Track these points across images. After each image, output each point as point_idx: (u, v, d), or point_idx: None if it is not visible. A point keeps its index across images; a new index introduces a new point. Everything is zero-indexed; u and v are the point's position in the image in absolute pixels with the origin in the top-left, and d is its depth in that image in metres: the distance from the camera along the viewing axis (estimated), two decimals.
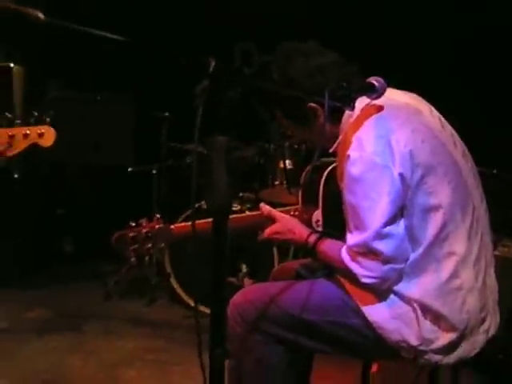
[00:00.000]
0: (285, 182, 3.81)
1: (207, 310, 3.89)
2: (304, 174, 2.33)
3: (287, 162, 3.81)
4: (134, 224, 2.16)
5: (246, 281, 3.62)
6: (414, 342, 1.85)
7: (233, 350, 1.98)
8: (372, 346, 1.92)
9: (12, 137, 2.33)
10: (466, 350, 1.87)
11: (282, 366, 1.98)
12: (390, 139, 1.80)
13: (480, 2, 3.94)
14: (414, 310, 1.85)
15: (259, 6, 4.39)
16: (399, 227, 1.81)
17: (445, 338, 1.84)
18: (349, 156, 1.81)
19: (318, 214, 2.21)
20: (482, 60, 3.95)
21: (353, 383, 2.67)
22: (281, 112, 2.06)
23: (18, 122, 2.34)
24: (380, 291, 1.86)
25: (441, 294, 1.83)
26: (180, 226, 2.25)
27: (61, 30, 1.04)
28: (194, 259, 3.90)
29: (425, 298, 1.83)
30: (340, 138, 1.96)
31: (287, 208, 2.30)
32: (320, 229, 2.17)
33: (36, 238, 4.79)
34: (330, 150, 2.01)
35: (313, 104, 1.95)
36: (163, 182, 4.34)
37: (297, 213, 2.26)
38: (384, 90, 1.76)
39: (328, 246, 1.98)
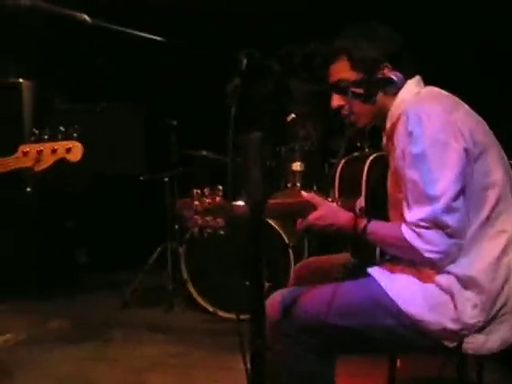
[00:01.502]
0: (297, 184, 3.85)
1: (226, 315, 3.97)
2: (338, 167, 2.36)
3: (298, 164, 3.86)
4: (198, 191, 2.04)
5: (266, 284, 3.65)
6: (454, 327, 1.87)
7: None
8: (410, 341, 1.94)
9: (40, 152, 2.38)
10: (507, 332, 1.91)
11: (309, 369, 1.99)
12: (452, 116, 1.88)
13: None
14: (452, 295, 1.88)
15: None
16: (462, 202, 1.86)
17: (484, 317, 1.87)
18: (411, 133, 1.85)
19: (360, 202, 2.24)
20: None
21: (379, 380, 2.69)
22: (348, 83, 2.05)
23: (46, 137, 2.39)
24: (428, 273, 1.91)
25: (490, 270, 1.88)
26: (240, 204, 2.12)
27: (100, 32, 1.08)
28: (210, 264, 3.97)
29: (474, 274, 1.87)
30: (395, 113, 2.01)
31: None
32: (362, 216, 2.17)
33: (50, 250, 4.84)
34: (385, 129, 2.07)
35: (386, 63, 2.00)
36: (176, 190, 4.38)
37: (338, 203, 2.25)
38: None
39: (380, 225, 2.01)
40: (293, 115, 3.86)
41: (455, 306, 1.87)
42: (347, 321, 1.95)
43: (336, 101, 2.10)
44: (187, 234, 4.00)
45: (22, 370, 3.24)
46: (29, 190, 4.56)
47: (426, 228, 1.84)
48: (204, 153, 4.21)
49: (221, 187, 2.01)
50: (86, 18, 1.07)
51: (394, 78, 1.99)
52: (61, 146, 2.38)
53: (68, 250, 5.16)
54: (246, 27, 4.63)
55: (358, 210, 2.24)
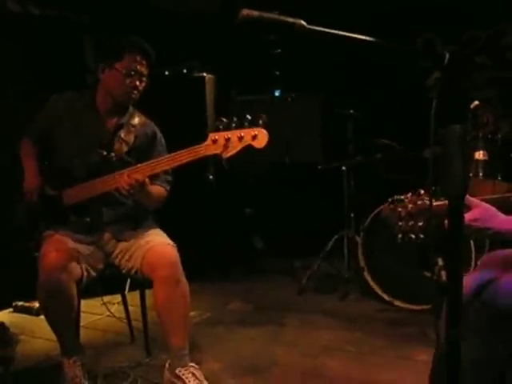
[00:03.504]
0: (480, 174, 3.72)
1: (403, 305, 3.94)
2: None
3: (481, 152, 3.72)
4: (402, 197, 2.06)
5: (444, 274, 3.58)
6: None
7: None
8: None
9: (228, 139, 2.53)
10: None
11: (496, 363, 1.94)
12: None
13: None
14: None
15: None
16: None
17: None
18: None
19: None
20: None
21: None
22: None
23: (234, 125, 2.52)
24: None
25: None
26: (439, 203, 2.08)
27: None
28: (387, 253, 3.97)
29: None
30: None
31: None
32: None
33: (229, 235, 5.08)
34: None
35: None
36: (353, 179, 4.41)
37: None
38: None
39: None
40: (476, 102, 3.72)
41: None
42: None
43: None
44: (365, 223, 4.03)
45: (207, 345, 3.47)
46: (211, 177, 4.82)
47: None
48: (386, 142, 4.19)
49: (422, 191, 2.01)
50: (303, 23, 1.12)
51: None
52: (247, 133, 2.51)
53: (246, 236, 5.38)
54: (421, 13, 4.53)
55: None
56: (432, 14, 4.49)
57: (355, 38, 1.13)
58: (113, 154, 2.93)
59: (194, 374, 2.82)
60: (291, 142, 4.51)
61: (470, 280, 2.02)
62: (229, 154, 2.55)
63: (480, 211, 1.97)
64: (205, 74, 4.78)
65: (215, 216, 4.96)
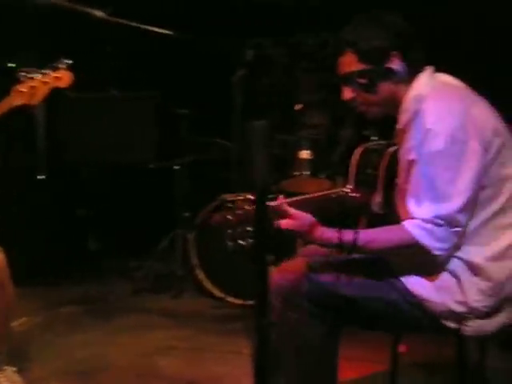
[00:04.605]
0: (304, 173, 3.90)
1: (234, 301, 4.02)
2: (357, 155, 2.37)
3: (306, 152, 3.90)
4: (232, 200, 2.07)
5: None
6: (459, 309, 1.93)
7: (276, 327, 2.03)
8: (412, 318, 1.99)
9: (33, 87, 2.55)
10: (507, 316, 1.96)
11: (315, 341, 2.03)
12: (471, 113, 1.90)
13: None
14: (458, 279, 1.93)
15: None
16: (475, 202, 1.90)
17: (489, 303, 1.93)
18: (430, 129, 1.87)
19: (377, 196, 2.24)
20: None
21: (381, 364, 2.74)
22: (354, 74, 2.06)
23: (37, 75, 2.55)
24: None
25: (498, 259, 1.93)
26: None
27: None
28: (219, 250, 4.01)
29: (483, 262, 1.92)
30: (410, 107, 2.02)
31: (335, 190, 2.28)
32: (379, 211, 2.21)
33: (62, 237, 4.91)
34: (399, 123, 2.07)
35: (395, 52, 2.01)
36: (185, 178, 4.44)
37: (347, 191, 2.23)
38: None
39: (375, 232, 1.99)
40: (301, 104, 3.91)
41: (462, 290, 1.93)
42: (357, 292, 1.99)
43: (347, 94, 2.09)
44: (197, 221, 4.07)
45: (37, 352, 3.32)
46: (40, 177, 4.64)
47: (439, 225, 1.86)
48: (216, 140, 4.26)
49: (251, 196, 2.01)
50: (98, 13, 1.12)
51: (396, 67, 2.01)
52: (50, 77, 2.57)
53: (80, 238, 5.23)
54: (259, 16, 4.66)
55: (374, 205, 2.24)
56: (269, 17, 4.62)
57: (154, 32, 1.14)
58: None
59: (8, 378, 2.70)
60: (125, 142, 4.44)
61: (288, 268, 2.15)
62: (36, 101, 2.57)
63: (295, 223, 2.00)
64: None
65: (47, 218, 4.78)
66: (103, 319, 3.89)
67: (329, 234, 1.97)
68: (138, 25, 1.15)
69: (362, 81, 2.04)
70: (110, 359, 3.28)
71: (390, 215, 2.09)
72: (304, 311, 2.02)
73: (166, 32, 1.11)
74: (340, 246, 1.93)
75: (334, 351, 2.09)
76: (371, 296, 2.00)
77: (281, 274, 2.12)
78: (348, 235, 1.92)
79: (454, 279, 1.94)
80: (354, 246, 1.92)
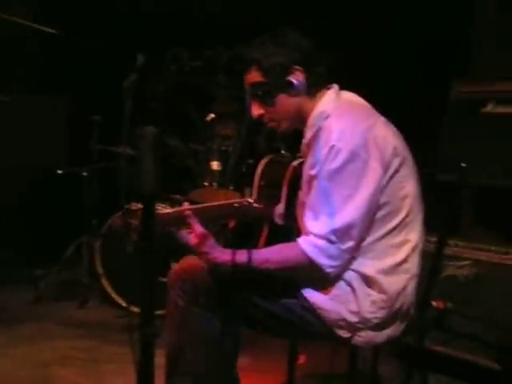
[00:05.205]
0: (214, 183, 3.90)
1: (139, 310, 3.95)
2: (261, 166, 2.40)
3: (216, 163, 3.90)
4: (129, 208, 2.09)
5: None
6: (352, 319, 1.98)
7: (175, 322, 2.09)
8: (308, 327, 2.03)
9: None
10: (395, 330, 2.04)
11: (215, 337, 2.04)
12: (372, 132, 1.95)
13: None
14: (353, 289, 1.98)
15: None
16: (370, 220, 1.96)
17: (381, 315, 1.99)
18: (333, 146, 1.91)
19: (280, 207, 2.28)
20: None
21: (279, 374, 2.73)
22: (254, 91, 2.11)
23: None
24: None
25: (392, 273, 1.99)
26: (169, 211, 2.13)
27: None
28: (124, 260, 3.96)
29: (376, 275, 1.97)
30: (315, 123, 2.07)
31: (239, 200, 2.30)
32: (281, 222, 2.25)
33: None
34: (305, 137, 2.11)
35: (297, 67, 2.06)
36: (94, 185, 4.37)
37: (250, 202, 2.16)
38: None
39: (269, 251, 2.03)
40: (212, 115, 3.92)
41: (356, 300, 1.98)
42: (253, 290, 2.02)
43: (255, 110, 2.13)
44: (103, 229, 4.00)
45: None
46: None
47: (332, 243, 1.91)
48: (127, 150, 4.19)
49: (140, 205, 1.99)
50: None
51: (296, 81, 2.06)
52: None
53: None
54: (178, 26, 4.66)
55: (277, 216, 2.28)
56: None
57: (42, 30, 1.12)
58: None
59: None
60: (33, 145, 4.33)
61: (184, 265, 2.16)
62: None
63: (198, 243, 2.02)
64: None
65: None
66: (2, 328, 3.74)
67: (223, 257, 1.99)
68: (25, 22, 1.12)
69: (259, 92, 2.09)
70: (6, 370, 3.16)
71: (291, 227, 2.13)
72: (201, 305, 2.04)
73: (52, 31, 1.09)
74: (234, 267, 1.94)
75: (231, 348, 2.11)
76: (268, 298, 2.03)
77: (180, 267, 2.14)
78: (242, 256, 1.94)
79: (348, 288, 1.99)
80: (248, 268, 1.93)
